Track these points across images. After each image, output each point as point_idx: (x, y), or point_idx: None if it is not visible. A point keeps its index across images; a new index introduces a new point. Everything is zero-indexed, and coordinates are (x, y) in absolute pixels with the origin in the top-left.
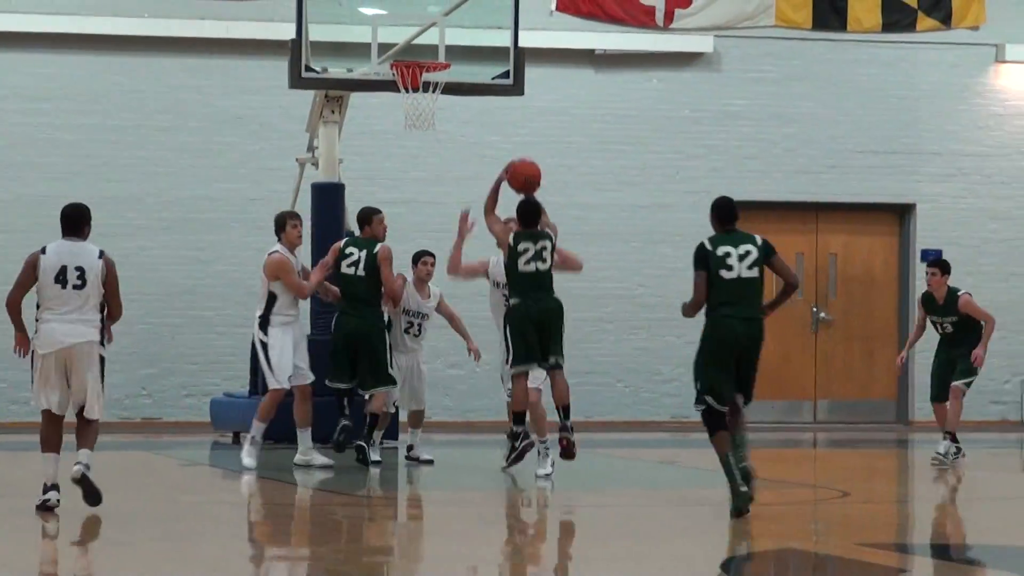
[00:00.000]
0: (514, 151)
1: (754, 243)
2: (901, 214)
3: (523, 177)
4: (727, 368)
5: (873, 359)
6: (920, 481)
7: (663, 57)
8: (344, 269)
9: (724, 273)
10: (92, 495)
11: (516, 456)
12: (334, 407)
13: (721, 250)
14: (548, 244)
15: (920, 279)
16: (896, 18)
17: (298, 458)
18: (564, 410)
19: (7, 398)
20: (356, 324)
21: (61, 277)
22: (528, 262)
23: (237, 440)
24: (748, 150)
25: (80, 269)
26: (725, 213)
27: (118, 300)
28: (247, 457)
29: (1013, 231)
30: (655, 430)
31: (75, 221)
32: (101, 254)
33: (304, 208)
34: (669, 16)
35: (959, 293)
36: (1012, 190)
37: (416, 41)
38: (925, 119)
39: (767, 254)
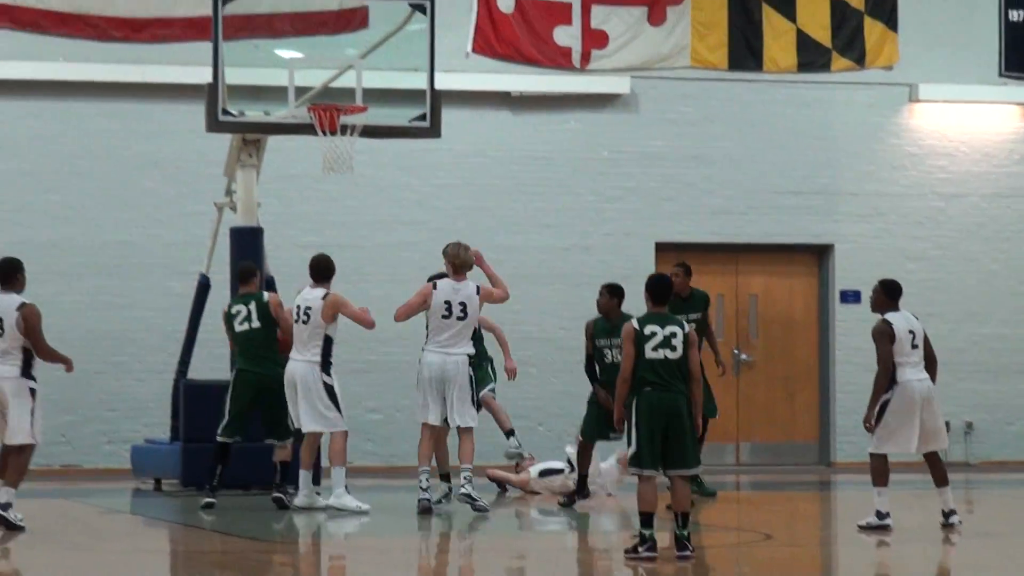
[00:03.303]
0: (432, 194)
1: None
2: (820, 255)
3: None
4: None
5: (794, 401)
6: (843, 523)
7: (580, 99)
8: (238, 327)
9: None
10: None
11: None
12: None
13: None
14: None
15: (840, 319)
16: (811, 58)
17: (333, 500)
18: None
19: None
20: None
21: None
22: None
23: (159, 487)
24: (666, 191)
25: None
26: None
27: (39, 343)
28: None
29: (928, 271)
30: None
31: (3, 273)
32: (21, 305)
33: (222, 252)
34: (585, 57)
35: None
36: (927, 230)
37: (333, 84)
38: (842, 159)
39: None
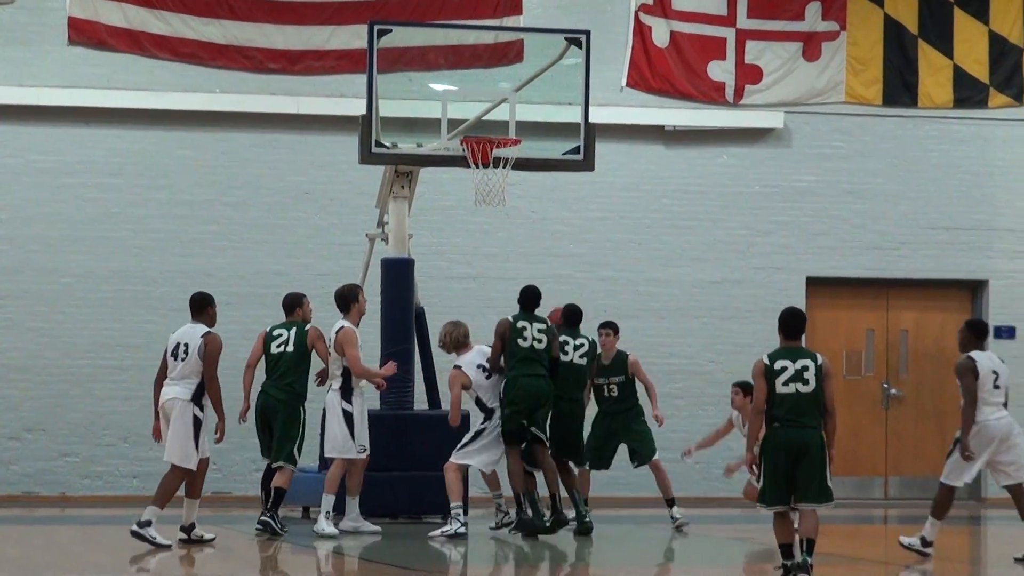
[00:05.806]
0: (584, 227)
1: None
2: (973, 290)
3: None
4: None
5: (945, 435)
6: (994, 558)
7: (733, 133)
8: (274, 349)
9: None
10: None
11: None
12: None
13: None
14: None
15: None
16: (968, 94)
17: (346, 524)
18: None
19: (79, 472)
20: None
21: (175, 352)
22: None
23: (307, 514)
24: (818, 226)
25: (186, 345)
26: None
27: (210, 373)
28: (329, 526)
29: None
30: (727, 506)
31: (193, 305)
32: (206, 334)
33: (373, 283)
34: (739, 92)
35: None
36: None
37: (487, 117)
38: (998, 196)
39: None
